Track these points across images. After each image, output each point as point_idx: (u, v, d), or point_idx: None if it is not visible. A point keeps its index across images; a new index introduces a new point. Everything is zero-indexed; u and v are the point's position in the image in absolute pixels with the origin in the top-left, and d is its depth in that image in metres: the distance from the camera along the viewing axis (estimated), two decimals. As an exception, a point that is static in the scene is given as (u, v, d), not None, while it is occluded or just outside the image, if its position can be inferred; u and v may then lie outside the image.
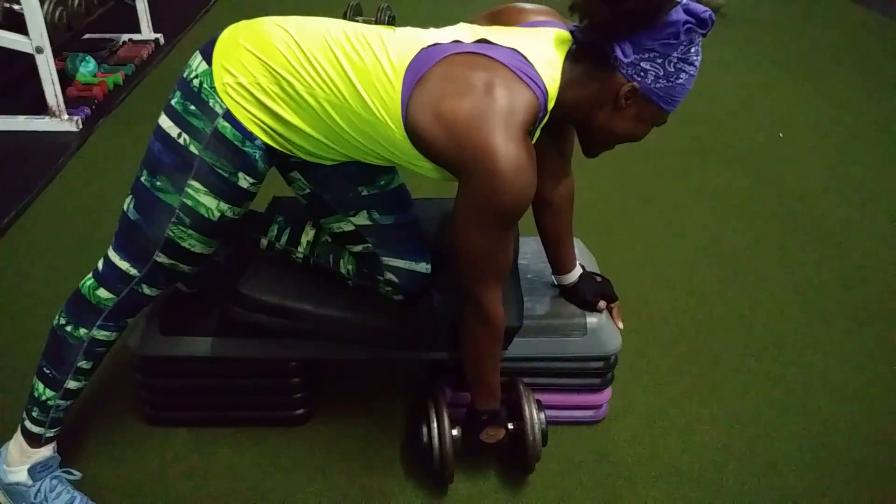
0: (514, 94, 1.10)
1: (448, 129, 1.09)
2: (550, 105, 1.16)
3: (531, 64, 1.13)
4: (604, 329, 1.51)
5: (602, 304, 1.53)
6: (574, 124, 1.25)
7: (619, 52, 1.10)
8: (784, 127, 3.11)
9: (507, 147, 1.07)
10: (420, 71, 1.12)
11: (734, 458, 1.57)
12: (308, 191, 1.36)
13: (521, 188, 1.09)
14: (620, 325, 1.55)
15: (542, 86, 1.13)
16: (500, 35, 1.18)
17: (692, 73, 1.13)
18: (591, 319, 1.51)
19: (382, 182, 1.35)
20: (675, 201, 2.54)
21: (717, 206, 2.52)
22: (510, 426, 1.42)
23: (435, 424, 1.40)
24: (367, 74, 1.13)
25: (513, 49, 1.14)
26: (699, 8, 1.08)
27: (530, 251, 1.66)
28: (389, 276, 1.38)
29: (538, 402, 1.43)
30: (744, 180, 2.68)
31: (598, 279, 1.56)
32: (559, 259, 1.52)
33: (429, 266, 1.40)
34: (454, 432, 1.40)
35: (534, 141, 1.19)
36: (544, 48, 1.16)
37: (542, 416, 1.42)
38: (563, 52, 1.16)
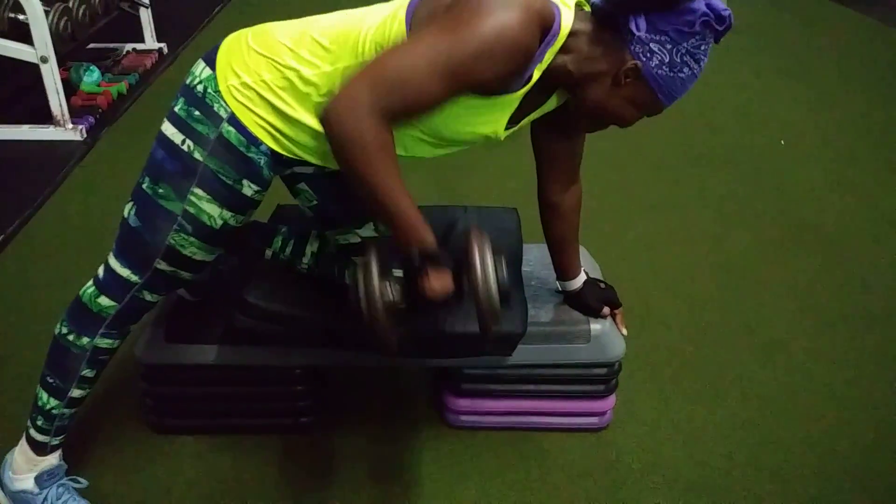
0: None
1: None
2: (563, 35, 1.10)
3: None
4: (607, 335, 1.51)
5: (606, 310, 1.53)
6: (570, 87, 1.19)
7: (633, 25, 1.08)
8: (785, 134, 3.11)
9: (510, 5, 1.01)
10: None
11: (739, 466, 1.57)
12: (315, 203, 1.36)
13: (499, 40, 1.00)
14: (624, 331, 1.55)
15: (559, 10, 1.09)
16: None
17: (696, 71, 1.12)
18: (595, 326, 1.51)
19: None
20: (677, 208, 2.54)
21: (720, 212, 2.52)
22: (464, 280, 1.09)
23: (361, 280, 1.05)
24: (377, 29, 1.12)
25: None
26: (720, 5, 1.07)
27: (534, 258, 1.67)
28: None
29: (495, 249, 1.08)
30: (745, 187, 2.68)
31: (602, 286, 1.56)
32: (564, 265, 1.52)
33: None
34: (390, 290, 1.08)
35: (544, 64, 1.11)
36: None
37: (501, 262, 1.07)
38: (573, 4, 1.14)
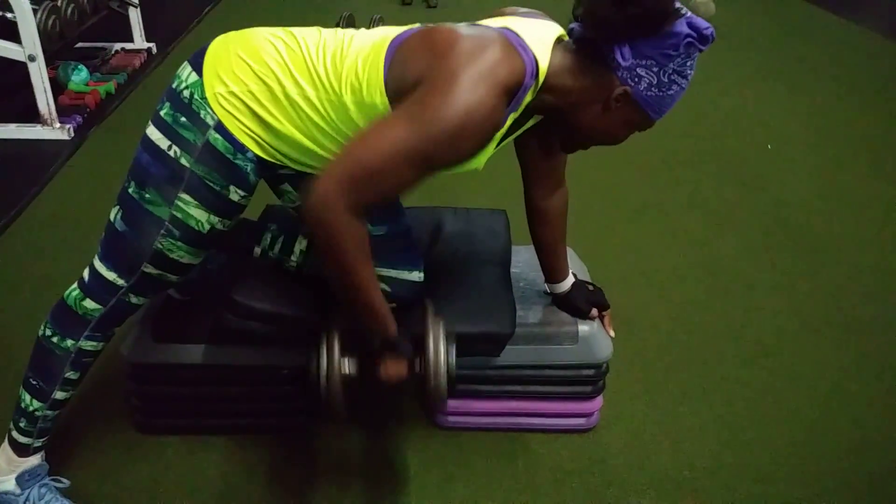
0: (503, 55, 1.07)
1: (429, 49, 1.08)
2: (539, 79, 1.12)
3: (523, 40, 1.11)
4: (595, 337, 1.52)
5: (594, 311, 1.54)
6: (558, 116, 1.22)
7: (618, 56, 1.09)
8: (773, 139, 3.14)
9: (475, 86, 1.03)
10: (405, 35, 1.14)
11: (724, 466, 1.58)
12: (299, 203, 1.36)
13: (465, 127, 1.03)
14: (612, 333, 1.56)
15: (533, 59, 1.11)
16: (492, 21, 1.19)
17: (684, 85, 1.14)
18: (583, 327, 1.52)
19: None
20: (665, 212, 2.56)
21: (707, 216, 2.54)
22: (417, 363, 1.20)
23: (323, 353, 1.18)
24: (353, 57, 1.14)
25: (505, 27, 1.13)
26: (702, 24, 1.08)
27: (522, 260, 1.67)
28: (382, 285, 1.38)
29: (449, 333, 1.19)
30: (733, 191, 2.70)
31: (590, 287, 1.57)
32: (552, 268, 1.53)
33: (421, 275, 1.41)
34: (348, 365, 1.20)
35: (517, 113, 1.15)
36: (537, 31, 1.15)
37: (452, 351, 1.18)
38: (554, 38, 1.16)
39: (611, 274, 2.05)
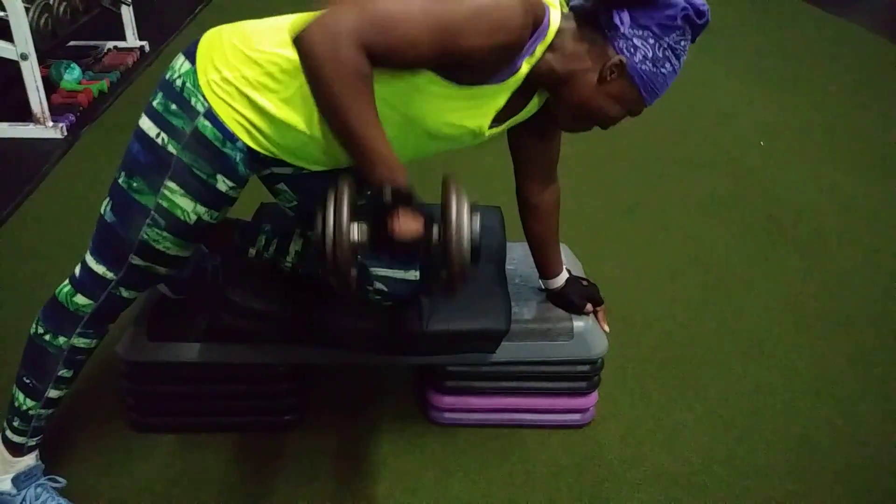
0: None
1: None
2: (550, 33, 1.11)
3: None
4: (590, 333, 1.53)
5: (588, 307, 1.54)
6: (551, 89, 1.20)
7: (617, 20, 1.10)
8: (765, 135, 3.15)
9: None
10: None
11: (718, 461, 1.58)
12: (295, 203, 1.35)
13: (493, 10, 0.99)
14: (606, 328, 1.57)
15: (548, 8, 1.10)
16: None
17: (676, 66, 1.15)
18: (578, 323, 1.52)
19: (370, 193, 1.35)
20: (659, 208, 2.56)
21: (701, 212, 2.55)
22: (435, 229, 1.02)
23: (331, 215, 0.99)
24: None
25: None
26: (698, 1, 1.10)
27: (517, 256, 1.68)
28: (379, 285, 1.38)
29: (472, 204, 1.01)
30: (725, 188, 2.71)
31: (585, 283, 1.57)
32: (546, 263, 1.53)
33: (417, 273, 1.41)
34: (357, 230, 1.01)
35: (535, 58, 1.12)
36: None
37: (476, 217, 1.00)
38: (558, 2, 1.15)
39: (605, 270, 2.06)
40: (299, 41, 0.93)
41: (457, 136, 1.21)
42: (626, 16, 1.10)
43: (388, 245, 1.01)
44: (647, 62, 1.13)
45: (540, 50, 1.12)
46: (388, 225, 0.99)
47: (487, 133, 1.22)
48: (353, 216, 1.00)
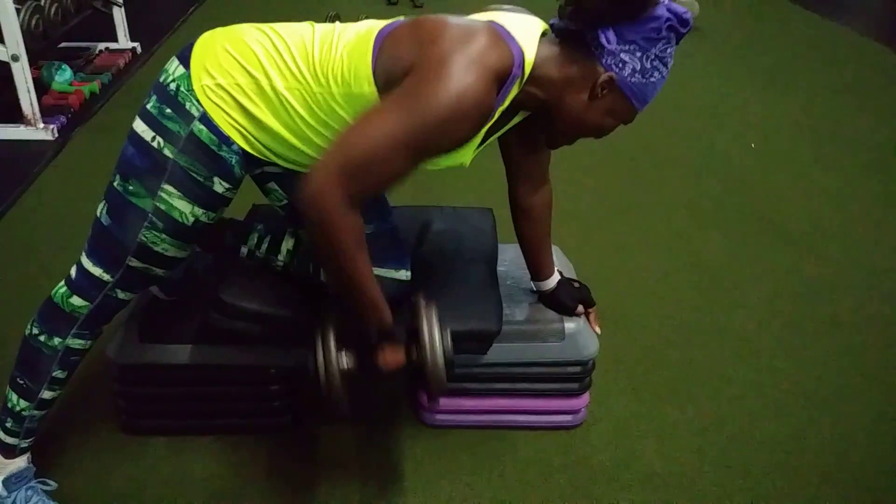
0: (490, 43, 1.08)
1: (418, 38, 1.09)
2: (526, 70, 1.14)
3: (510, 32, 1.13)
4: (581, 334, 1.53)
5: (580, 308, 1.55)
6: (543, 109, 1.23)
7: (603, 39, 1.11)
8: (756, 137, 3.17)
9: (465, 71, 1.03)
10: (393, 26, 1.15)
11: (709, 462, 1.59)
12: (286, 202, 1.36)
13: (457, 113, 1.03)
14: (598, 329, 1.57)
15: (520, 50, 1.12)
16: (478, 15, 1.20)
17: (665, 73, 1.16)
18: (569, 325, 1.53)
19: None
20: (650, 210, 2.57)
21: (692, 214, 2.56)
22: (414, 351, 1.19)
23: (320, 351, 1.18)
24: (339, 49, 1.15)
25: (492, 20, 1.15)
26: (680, 9, 1.11)
27: (509, 258, 1.68)
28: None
29: (441, 322, 1.19)
30: (716, 189, 2.73)
31: (576, 285, 1.58)
32: (538, 265, 1.54)
33: (408, 273, 1.41)
34: (345, 360, 1.19)
35: (504, 106, 1.15)
36: (522, 23, 1.16)
37: (447, 335, 1.18)
38: (539, 31, 1.17)
39: (596, 271, 2.06)
40: (302, 214, 1.05)
41: (440, 170, 1.24)
42: (611, 34, 1.11)
43: (374, 370, 1.18)
44: (637, 74, 1.14)
45: (512, 94, 1.15)
46: (375, 357, 1.17)
47: (470, 161, 1.24)
48: (340, 346, 1.18)
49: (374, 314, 1.15)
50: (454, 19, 1.13)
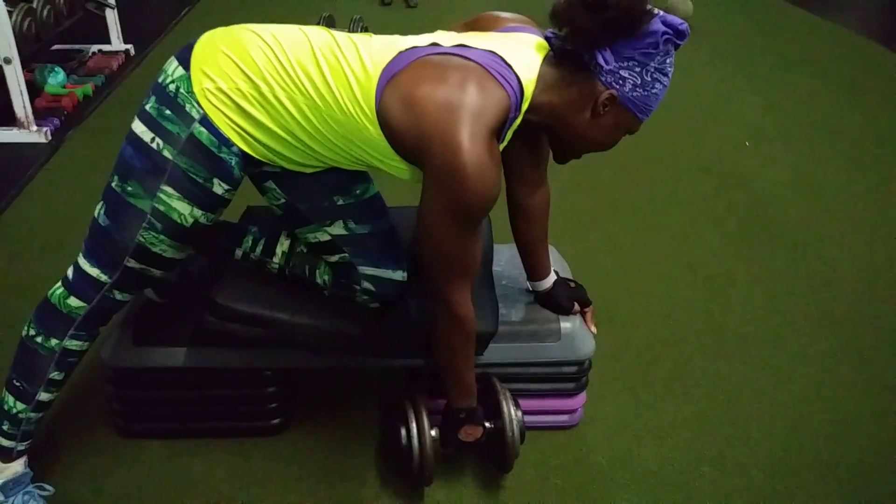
0: (486, 92, 1.11)
1: (416, 117, 1.11)
2: (524, 105, 1.17)
3: (508, 65, 1.14)
4: (577, 334, 1.53)
5: (576, 308, 1.55)
6: (547, 130, 1.26)
7: (601, 60, 1.12)
8: (750, 135, 3.18)
9: (471, 144, 1.08)
10: (395, 69, 1.14)
11: (706, 460, 1.59)
12: (283, 201, 1.36)
13: (484, 187, 1.10)
14: (594, 329, 1.57)
15: (517, 86, 1.14)
16: (477, 39, 1.19)
17: (666, 83, 1.16)
18: (565, 325, 1.53)
19: (358, 191, 1.36)
20: (645, 209, 2.58)
21: (687, 213, 2.56)
22: (487, 424, 1.41)
23: (414, 425, 1.39)
24: (344, 77, 1.15)
25: (489, 51, 1.16)
26: (676, 20, 1.11)
27: (505, 258, 1.68)
28: (366, 285, 1.39)
29: (515, 399, 1.43)
30: (711, 187, 2.73)
31: (572, 285, 1.58)
32: (534, 265, 1.54)
33: (405, 274, 1.41)
34: (433, 433, 1.40)
35: (505, 142, 1.21)
36: (521, 51, 1.17)
37: (520, 413, 1.42)
38: (540, 55, 1.18)
39: (592, 271, 2.07)
40: (446, 324, 1.27)
41: None
42: (608, 55, 1.12)
43: (455, 442, 1.39)
44: (638, 89, 1.14)
45: (515, 125, 1.19)
46: (457, 431, 1.38)
47: None
48: (426, 419, 1.40)
49: (466, 399, 1.36)
50: (444, 73, 1.12)
